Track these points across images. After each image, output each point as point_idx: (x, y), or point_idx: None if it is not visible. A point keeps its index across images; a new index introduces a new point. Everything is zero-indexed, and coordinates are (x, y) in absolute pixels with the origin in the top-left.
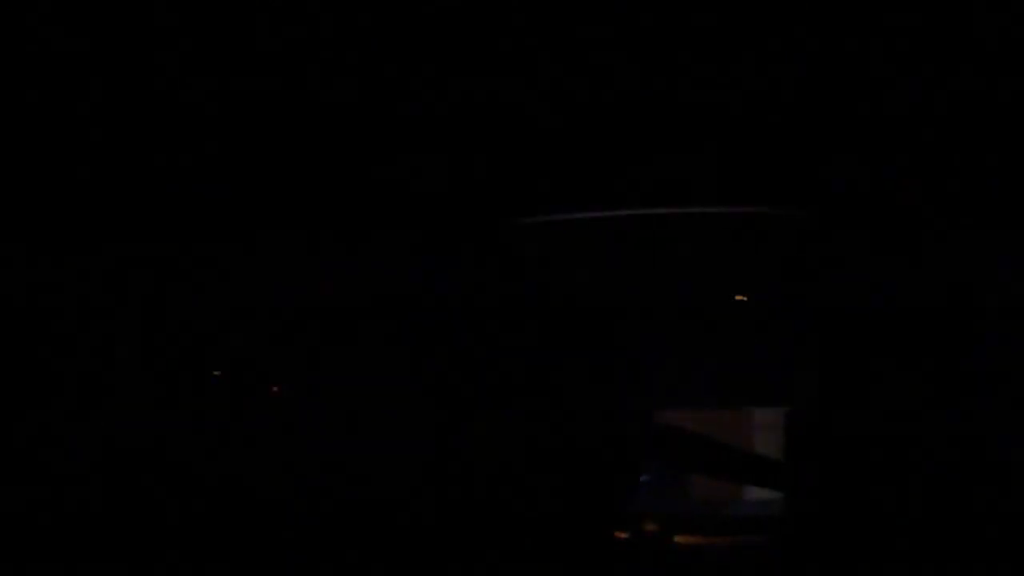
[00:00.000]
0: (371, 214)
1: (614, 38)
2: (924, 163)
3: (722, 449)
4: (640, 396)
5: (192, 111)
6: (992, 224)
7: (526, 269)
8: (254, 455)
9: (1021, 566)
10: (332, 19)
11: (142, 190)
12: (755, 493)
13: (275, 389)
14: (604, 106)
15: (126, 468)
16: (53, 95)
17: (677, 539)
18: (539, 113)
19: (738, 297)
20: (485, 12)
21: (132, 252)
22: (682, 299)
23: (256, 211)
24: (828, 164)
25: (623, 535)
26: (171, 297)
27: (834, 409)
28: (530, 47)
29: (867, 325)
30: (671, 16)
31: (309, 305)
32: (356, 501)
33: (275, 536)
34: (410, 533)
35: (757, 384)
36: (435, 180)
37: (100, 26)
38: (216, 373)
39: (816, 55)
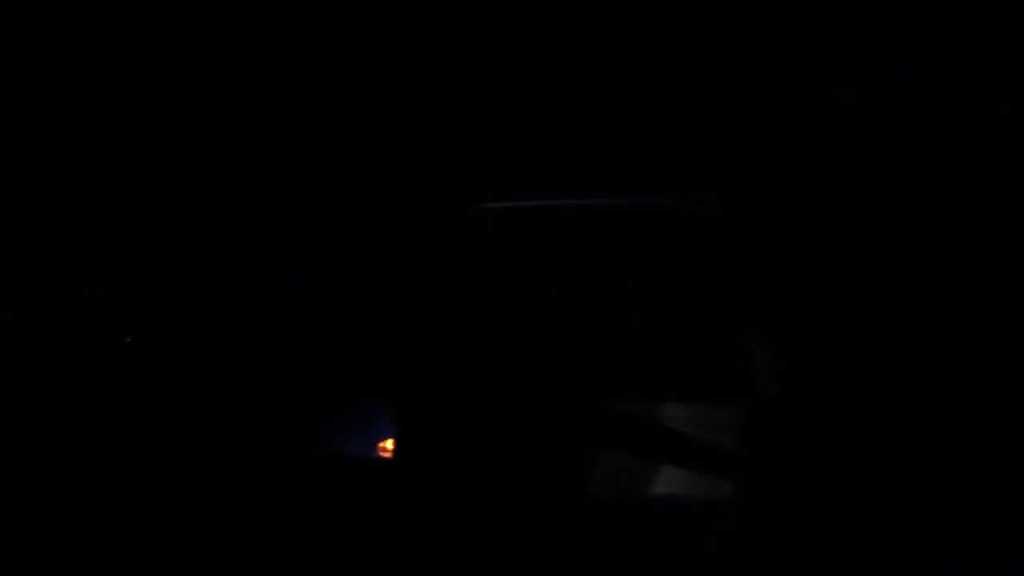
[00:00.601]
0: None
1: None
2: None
3: (669, 439)
4: (590, 385)
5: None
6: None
7: (483, 255)
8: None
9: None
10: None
11: None
12: (704, 483)
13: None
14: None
15: None
16: None
17: (623, 529)
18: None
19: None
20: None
21: None
22: (634, 288)
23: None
24: (779, 152)
25: (571, 523)
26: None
27: (787, 400)
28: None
29: (821, 314)
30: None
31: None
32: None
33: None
34: (356, 528)
35: (707, 375)
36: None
37: None
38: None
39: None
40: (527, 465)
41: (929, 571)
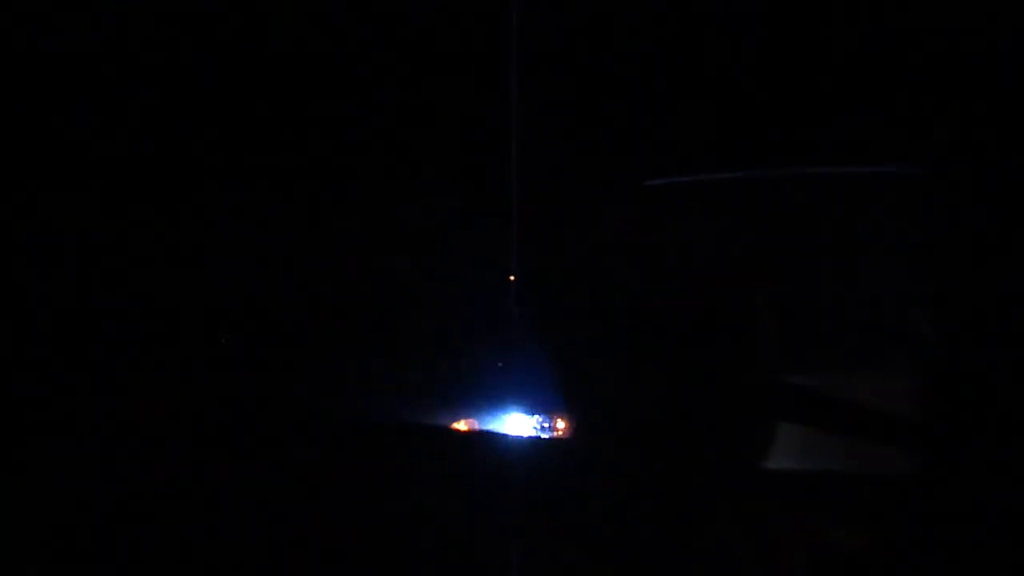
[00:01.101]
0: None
1: None
2: None
3: (845, 411)
4: (763, 357)
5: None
6: None
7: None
8: None
9: None
10: None
11: None
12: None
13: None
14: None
15: None
16: None
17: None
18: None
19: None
20: None
21: None
22: (809, 260)
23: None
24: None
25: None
26: None
27: (967, 374)
28: None
29: (1000, 285)
30: None
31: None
32: None
33: None
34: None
35: (885, 347)
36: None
37: None
38: None
39: None
40: (710, 435)
41: None
